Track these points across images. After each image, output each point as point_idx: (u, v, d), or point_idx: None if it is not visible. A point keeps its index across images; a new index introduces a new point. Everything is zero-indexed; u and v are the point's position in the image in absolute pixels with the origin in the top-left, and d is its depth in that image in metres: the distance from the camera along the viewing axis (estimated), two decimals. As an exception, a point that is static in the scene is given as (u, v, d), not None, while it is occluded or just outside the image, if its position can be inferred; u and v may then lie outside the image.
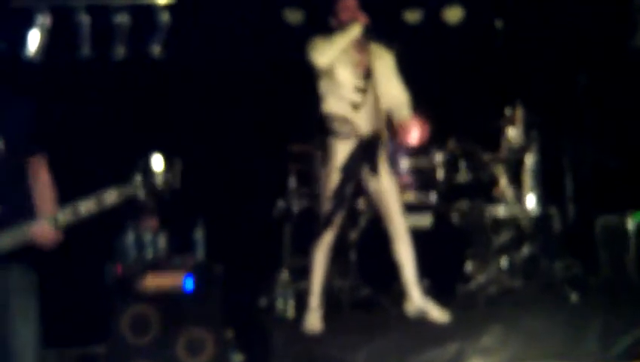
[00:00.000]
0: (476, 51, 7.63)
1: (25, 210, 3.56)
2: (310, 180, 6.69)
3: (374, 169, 5.70)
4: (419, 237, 5.82)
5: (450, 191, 6.77)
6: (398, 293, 5.88)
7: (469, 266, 6.43)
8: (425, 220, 6.38)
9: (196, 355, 5.46)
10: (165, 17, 6.97)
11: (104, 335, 5.57)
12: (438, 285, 6.12)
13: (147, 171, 3.53)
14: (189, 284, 5.62)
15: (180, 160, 3.60)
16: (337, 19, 5.73)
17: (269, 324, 5.84)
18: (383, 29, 5.82)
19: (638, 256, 6.46)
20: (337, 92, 5.68)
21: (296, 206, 6.68)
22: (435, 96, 7.27)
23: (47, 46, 6.85)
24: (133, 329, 5.47)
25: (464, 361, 5.34)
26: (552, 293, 6.26)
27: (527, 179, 6.82)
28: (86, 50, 6.93)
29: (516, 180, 6.84)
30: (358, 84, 5.68)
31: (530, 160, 6.84)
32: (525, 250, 6.57)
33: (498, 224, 6.66)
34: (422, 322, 5.65)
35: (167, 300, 5.56)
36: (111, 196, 3.51)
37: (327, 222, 5.65)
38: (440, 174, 6.77)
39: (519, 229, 6.66)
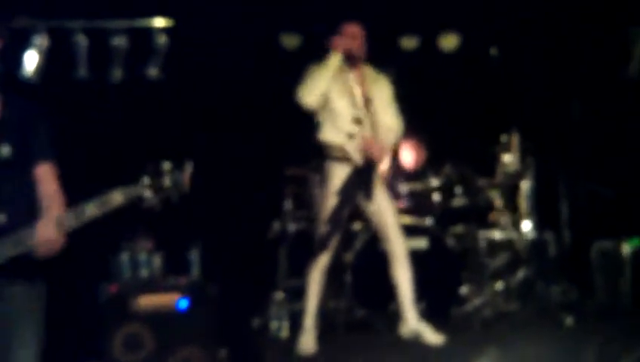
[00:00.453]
0: (472, 78, 7.67)
1: (31, 218, 3.40)
2: (306, 203, 6.71)
3: (369, 195, 5.70)
4: (415, 260, 5.81)
5: (446, 216, 6.78)
6: (393, 315, 5.88)
7: (464, 289, 6.42)
8: (421, 243, 6.38)
9: (189, 374, 5.44)
10: (162, 40, 6.97)
11: (97, 354, 5.52)
12: (433, 307, 6.11)
13: (156, 172, 3.41)
14: (183, 304, 5.60)
15: (191, 162, 3.46)
16: (337, 45, 5.70)
17: (262, 344, 5.81)
18: (379, 55, 5.86)
19: (633, 281, 6.46)
20: (334, 122, 5.70)
21: (292, 228, 6.68)
22: (431, 122, 7.34)
23: (44, 67, 6.85)
24: (126, 348, 5.45)
25: (459, 383, 5.32)
26: (548, 317, 6.26)
27: (523, 204, 6.85)
28: (83, 71, 6.91)
29: (512, 206, 6.88)
30: (355, 114, 5.69)
31: (525, 186, 6.86)
32: (521, 274, 6.57)
33: (493, 248, 6.69)
34: (416, 344, 5.63)
35: (161, 319, 5.54)
36: (116, 197, 3.37)
37: (323, 245, 5.64)
38: (436, 199, 6.79)
39: (515, 253, 6.68)
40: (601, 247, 6.77)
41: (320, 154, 5.84)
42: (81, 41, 6.85)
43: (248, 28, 7.28)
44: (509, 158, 6.86)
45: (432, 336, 5.66)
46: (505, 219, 6.79)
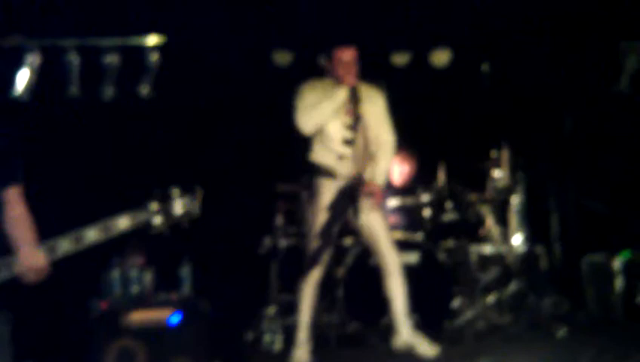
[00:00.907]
0: (463, 94, 7.70)
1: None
2: (297, 219, 6.72)
3: (357, 211, 5.70)
4: (406, 275, 5.80)
5: (437, 231, 6.79)
6: (386, 328, 5.88)
7: (456, 302, 6.42)
8: (412, 258, 6.38)
9: (182, 388, 5.43)
10: (154, 58, 6.99)
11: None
12: (426, 321, 6.09)
13: (165, 198, 3.29)
14: (175, 319, 5.59)
15: (201, 188, 3.38)
16: (331, 69, 5.70)
17: (256, 358, 5.80)
18: (370, 71, 5.88)
19: (623, 293, 6.47)
20: (326, 144, 5.72)
21: (283, 243, 6.68)
22: (422, 137, 7.36)
23: (36, 85, 6.86)
24: (118, 363, 5.43)
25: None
26: (540, 329, 6.27)
27: (513, 219, 6.86)
28: (75, 89, 6.93)
29: (502, 220, 6.89)
30: (347, 136, 5.70)
31: (515, 200, 6.88)
32: (512, 287, 6.57)
33: (484, 262, 6.70)
34: (410, 356, 5.62)
35: (153, 334, 5.53)
36: (123, 222, 3.24)
37: (314, 260, 5.64)
38: (427, 214, 6.81)
39: (505, 267, 6.68)
40: (592, 260, 6.80)
41: (310, 171, 5.85)
42: (74, 59, 6.87)
43: (240, 45, 7.31)
44: (499, 173, 6.88)
45: (426, 348, 5.65)
46: (496, 233, 6.80)
